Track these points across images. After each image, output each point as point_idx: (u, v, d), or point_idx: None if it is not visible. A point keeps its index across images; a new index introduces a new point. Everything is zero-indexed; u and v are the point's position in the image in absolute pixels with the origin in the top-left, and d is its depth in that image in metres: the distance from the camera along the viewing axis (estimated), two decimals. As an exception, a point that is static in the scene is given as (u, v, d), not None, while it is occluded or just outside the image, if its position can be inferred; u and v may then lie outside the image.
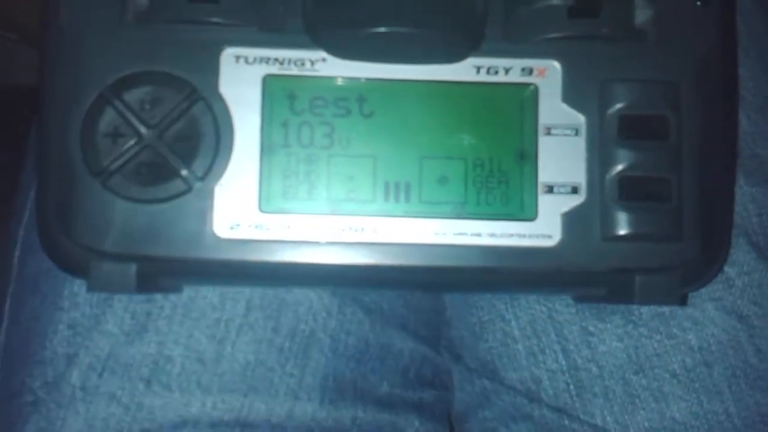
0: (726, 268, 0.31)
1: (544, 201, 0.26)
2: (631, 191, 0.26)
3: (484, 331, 0.35)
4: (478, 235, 0.26)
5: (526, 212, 0.26)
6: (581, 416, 0.32)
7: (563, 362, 0.33)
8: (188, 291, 0.31)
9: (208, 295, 0.31)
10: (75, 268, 0.27)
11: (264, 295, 0.32)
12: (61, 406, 0.31)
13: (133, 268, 0.26)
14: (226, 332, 0.31)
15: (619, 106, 0.26)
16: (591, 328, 0.32)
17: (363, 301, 0.34)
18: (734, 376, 0.31)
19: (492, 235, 0.26)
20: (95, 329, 0.31)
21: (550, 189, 0.26)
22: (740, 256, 0.31)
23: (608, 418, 0.31)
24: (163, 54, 0.25)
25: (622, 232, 0.26)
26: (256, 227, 0.25)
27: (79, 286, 0.31)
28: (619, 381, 0.31)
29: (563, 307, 0.33)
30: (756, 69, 0.33)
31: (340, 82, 0.26)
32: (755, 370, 0.31)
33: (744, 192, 0.31)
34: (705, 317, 0.31)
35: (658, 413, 0.31)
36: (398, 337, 0.35)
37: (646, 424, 0.31)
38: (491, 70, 0.26)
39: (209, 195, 0.25)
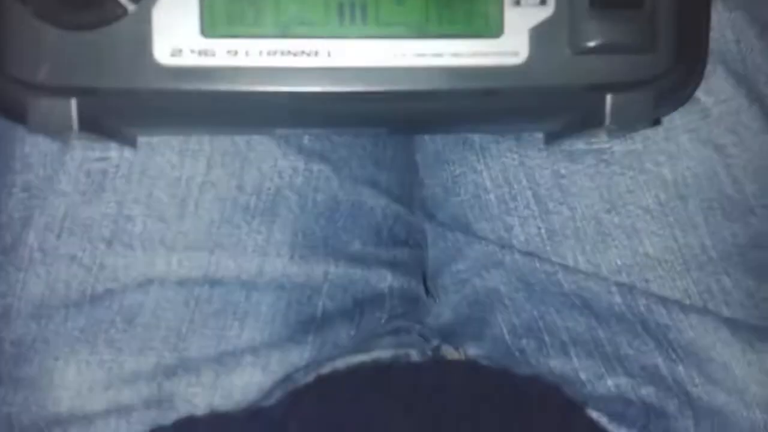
0: (702, 97, 0.30)
1: (511, 15, 0.24)
2: None
3: (456, 185, 0.35)
4: (440, 55, 0.24)
5: (491, 28, 0.25)
6: (552, 258, 0.32)
7: (534, 208, 0.32)
8: (144, 149, 0.30)
9: (165, 152, 0.30)
10: (13, 109, 0.25)
11: (225, 153, 0.31)
12: (20, 269, 0.30)
13: (72, 103, 0.24)
14: (187, 190, 0.30)
15: None
16: (562, 171, 0.31)
17: (330, 158, 0.32)
18: (710, 208, 0.30)
19: (455, 54, 0.24)
20: (49, 190, 0.30)
21: (516, 2, 0.24)
22: (717, 83, 0.30)
23: (579, 258, 0.31)
24: None
25: (592, 43, 0.24)
26: (200, 53, 0.24)
27: (30, 146, 0.30)
28: (591, 221, 0.31)
29: (535, 152, 0.32)
30: None
31: None
32: (732, 201, 0.30)
33: (722, 17, 0.30)
34: (680, 150, 0.30)
35: (630, 250, 0.30)
36: (369, 194, 0.34)
37: (618, 261, 0.31)
38: None
39: (147, 19, 0.24)
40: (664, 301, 0.30)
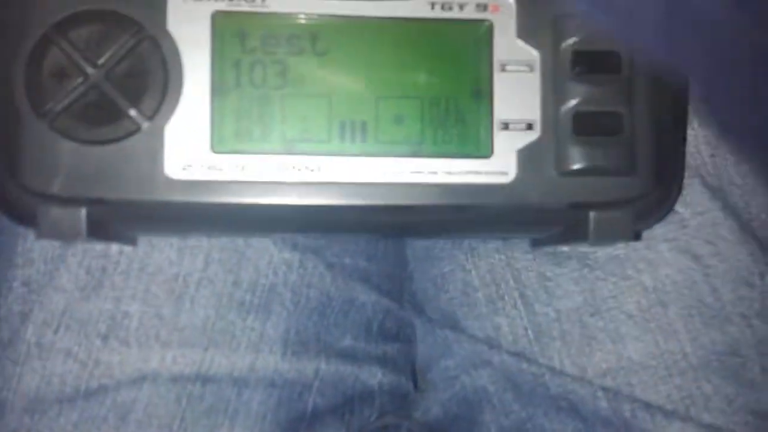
0: (679, 209, 0.31)
1: (500, 138, 0.26)
2: (585, 125, 0.26)
3: (445, 282, 0.35)
4: (435, 173, 0.26)
5: (482, 149, 0.26)
6: (539, 359, 0.32)
7: (522, 308, 0.33)
8: (144, 246, 0.31)
9: (164, 249, 0.31)
10: (23, 215, 0.26)
11: (223, 249, 0.31)
12: (16, 363, 0.30)
13: (82, 212, 0.25)
14: (184, 287, 0.31)
15: (572, 40, 0.26)
16: (548, 274, 0.33)
17: (324, 255, 0.33)
18: (689, 315, 0.31)
19: (449, 172, 0.26)
20: (49, 285, 0.30)
21: (505, 126, 0.26)
22: (694, 196, 0.31)
23: (566, 361, 0.32)
24: None
25: (576, 166, 0.26)
26: (209, 168, 0.25)
27: (32, 242, 0.31)
28: (576, 324, 0.32)
29: (521, 254, 0.33)
30: None
31: (292, 18, 0.26)
32: (710, 309, 0.31)
33: (697, 134, 0.32)
34: (659, 258, 0.31)
35: (614, 354, 0.31)
36: (361, 290, 0.35)
37: (603, 365, 0.31)
38: (446, 6, 0.26)
39: (159, 135, 0.25)
40: (648, 406, 0.31)
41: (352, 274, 0.34)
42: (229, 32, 0.25)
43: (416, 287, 0.37)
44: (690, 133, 0.32)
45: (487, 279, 0.34)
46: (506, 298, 0.34)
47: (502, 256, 0.34)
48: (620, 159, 0.26)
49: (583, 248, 0.32)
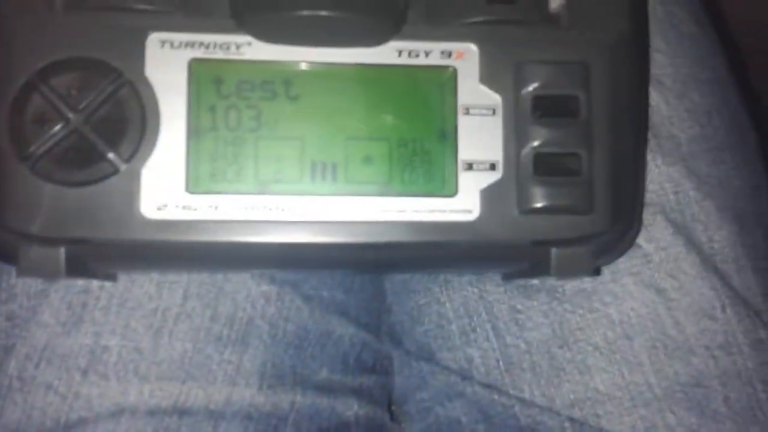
0: (643, 244, 0.32)
1: (464, 178, 0.27)
2: (545, 166, 0.27)
3: (421, 315, 0.36)
4: (402, 211, 0.27)
5: (447, 189, 0.27)
6: (510, 391, 0.33)
7: (494, 340, 0.34)
8: (124, 281, 0.31)
9: (144, 284, 0.32)
10: (4, 254, 0.27)
11: (201, 284, 0.32)
12: None
13: (61, 251, 0.26)
14: (163, 321, 0.32)
15: (533, 86, 0.27)
16: (519, 306, 0.33)
17: (302, 288, 0.34)
18: (654, 347, 0.32)
19: (416, 211, 0.27)
20: (32, 320, 0.31)
21: (469, 166, 0.27)
22: (658, 232, 0.33)
23: (535, 392, 0.33)
24: (90, 40, 0.26)
25: (537, 205, 0.27)
26: (184, 208, 0.26)
27: (16, 278, 0.31)
28: (545, 355, 0.33)
29: (493, 287, 0.34)
30: (675, 54, 0.35)
31: (265, 65, 0.27)
32: (674, 342, 0.32)
33: (661, 171, 0.33)
34: (624, 291, 0.32)
35: (582, 385, 0.32)
36: (338, 323, 0.35)
37: (572, 396, 0.32)
38: (412, 53, 0.27)
39: (136, 177, 0.26)
40: None
41: (329, 307, 0.35)
42: (205, 79, 0.26)
43: (394, 319, 0.38)
44: (654, 170, 0.33)
45: (460, 311, 0.35)
46: (479, 330, 0.34)
47: (475, 289, 0.35)
48: (579, 198, 0.27)
49: (552, 281, 0.33)
